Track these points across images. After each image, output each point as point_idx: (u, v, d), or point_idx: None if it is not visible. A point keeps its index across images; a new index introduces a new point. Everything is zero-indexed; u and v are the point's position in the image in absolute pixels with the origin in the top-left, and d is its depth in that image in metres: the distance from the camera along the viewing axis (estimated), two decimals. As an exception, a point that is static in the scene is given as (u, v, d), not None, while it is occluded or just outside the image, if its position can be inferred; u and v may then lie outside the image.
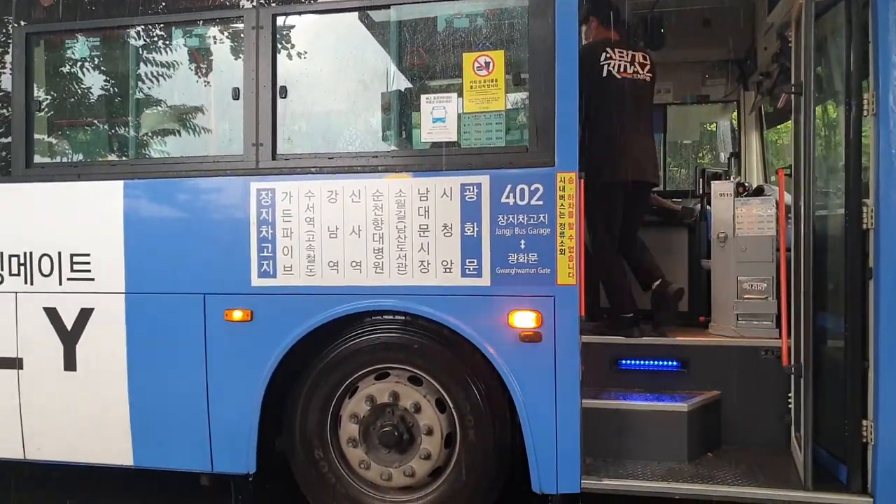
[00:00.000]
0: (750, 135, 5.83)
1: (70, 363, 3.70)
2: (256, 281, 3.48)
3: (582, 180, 3.19)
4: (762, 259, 3.86)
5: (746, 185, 4.31)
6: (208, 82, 3.90)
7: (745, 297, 3.89)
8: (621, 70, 4.08)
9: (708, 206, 4.34)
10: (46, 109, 3.93)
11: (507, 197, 3.23)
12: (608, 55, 4.06)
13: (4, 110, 3.81)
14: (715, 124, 6.83)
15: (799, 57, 3.28)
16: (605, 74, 4.04)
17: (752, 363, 3.75)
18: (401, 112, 3.59)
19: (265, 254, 3.47)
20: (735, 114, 6.06)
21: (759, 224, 3.89)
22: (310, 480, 3.59)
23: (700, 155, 7.61)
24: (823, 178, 3.47)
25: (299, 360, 3.52)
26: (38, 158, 3.84)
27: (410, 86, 3.57)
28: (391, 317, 3.45)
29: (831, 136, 3.58)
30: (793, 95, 3.33)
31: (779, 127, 6.22)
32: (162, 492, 4.17)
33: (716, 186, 4.08)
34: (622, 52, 4.10)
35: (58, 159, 4.02)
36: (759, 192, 4.26)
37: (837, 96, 3.26)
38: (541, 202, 3.21)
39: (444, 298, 3.31)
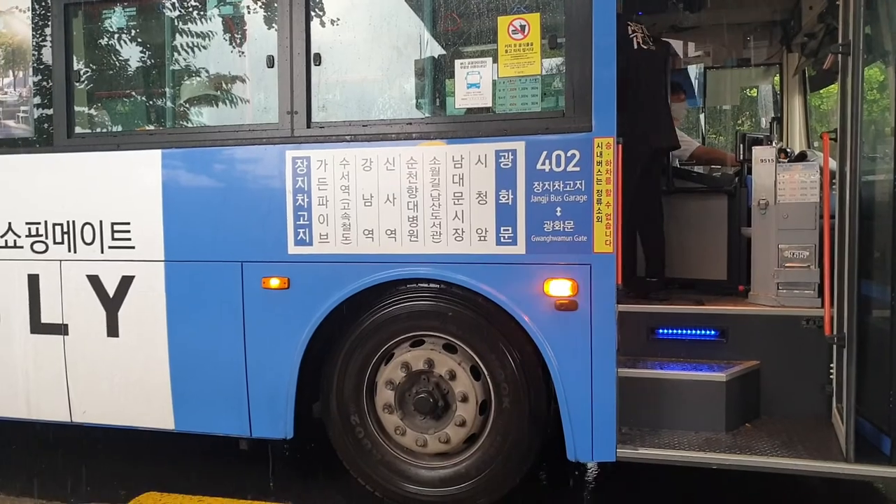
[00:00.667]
0: (793, 99, 5.63)
1: (113, 329, 3.76)
2: (293, 249, 3.47)
3: (620, 145, 3.10)
4: (804, 226, 3.73)
5: (788, 150, 4.17)
6: (243, 51, 3.88)
7: (787, 265, 3.78)
8: (642, 43, 4.07)
9: (748, 173, 4.21)
10: (86, 80, 3.95)
11: (543, 163, 3.16)
12: (632, 28, 4.03)
13: (45, 82, 3.83)
14: (755, 90, 6.61)
15: (847, 15, 3.12)
16: (635, 46, 4.01)
17: (793, 333, 3.64)
18: (435, 78, 3.53)
19: (301, 222, 3.46)
20: (777, 77, 5.86)
21: (801, 190, 3.76)
22: (346, 446, 3.60)
23: (739, 121, 7.39)
24: (870, 142, 3.32)
25: (336, 326, 3.52)
26: (78, 129, 3.86)
27: (445, 52, 3.49)
28: (426, 285, 3.42)
29: (879, 98, 3.43)
30: (840, 56, 3.18)
31: (821, 92, 6.00)
32: (202, 456, 4.27)
33: (757, 152, 3.95)
34: (637, 26, 4.09)
35: (98, 130, 4.04)
36: (801, 157, 4.12)
37: (887, 56, 3.11)
38: (577, 168, 3.13)
39: (478, 266, 3.27)
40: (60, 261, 3.82)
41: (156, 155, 3.64)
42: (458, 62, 3.30)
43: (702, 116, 5.83)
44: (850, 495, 3.67)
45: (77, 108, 3.88)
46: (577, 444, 3.23)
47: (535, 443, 3.40)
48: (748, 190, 4.20)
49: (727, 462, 3.18)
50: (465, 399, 3.41)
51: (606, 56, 3.09)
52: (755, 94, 6.63)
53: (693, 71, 5.41)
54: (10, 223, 3.88)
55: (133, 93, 4.10)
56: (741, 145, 4.29)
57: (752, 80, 6.13)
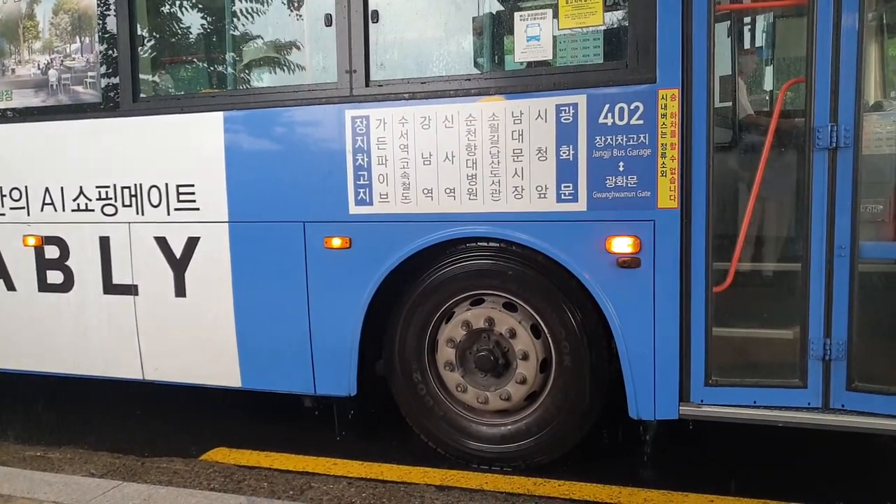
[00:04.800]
0: (868, 47, 5.34)
1: (180, 290, 3.90)
2: (354, 209, 3.53)
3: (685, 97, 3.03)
4: (880, 180, 3.59)
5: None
6: (301, 11, 3.92)
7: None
8: None
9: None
10: (150, 46, 4.05)
11: (605, 117, 3.13)
12: None
13: (111, 48, 3.94)
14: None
15: None
16: None
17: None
18: (494, 33, 3.50)
19: (361, 182, 3.50)
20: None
21: (876, 142, 3.61)
22: (409, 403, 3.69)
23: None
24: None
25: (397, 285, 3.58)
26: (143, 95, 3.97)
27: (503, 6, 3.47)
28: (485, 243, 3.44)
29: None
30: None
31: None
32: (269, 414, 4.41)
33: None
34: None
35: (162, 94, 4.15)
36: (877, 108, 3.96)
37: None
38: (641, 121, 3.08)
39: (538, 224, 3.27)
40: (129, 223, 3.96)
41: (218, 117, 3.72)
42: (517, 14, 3.27)
43: (770, 69, 5.62)
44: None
45: (142, 75, 3.99)
46: (638, 402, 3.23)
47: (597, 401, 3.41)
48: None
49: (795, 420, 3.10)
50: (525, 357, 3.44)
51: (671, 4, 3.01)
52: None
53: (762, 21, 5.20)
54: (81, 187, 4.04)
55: (195, 57, 4.19)
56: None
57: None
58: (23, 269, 4.22)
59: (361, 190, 3.51)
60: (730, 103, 4.29)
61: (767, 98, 4.71)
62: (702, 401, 3.18)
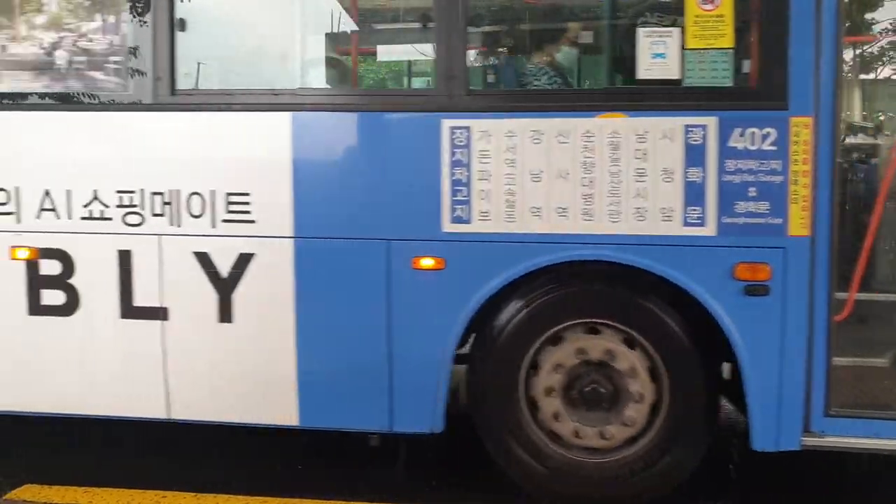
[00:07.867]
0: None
1: (225, 314, 3.53)
2: (449, 227, 3.37)
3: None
4: None
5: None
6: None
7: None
8: None
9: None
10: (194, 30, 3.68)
11: (736, 141, 3.19)
12: None
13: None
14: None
15: None
16: None
17: None
18: (612, 47, 3.51)
19: (459, 198, 3.36)
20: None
21: None
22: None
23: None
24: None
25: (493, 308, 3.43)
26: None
27: (629, 21, 3.48)
28: (603, 267, 3.36)
29: None
30: None
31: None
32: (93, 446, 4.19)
33: None
34: None
35: (209, 86, 3.78)
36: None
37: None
38: (773, 147, 3.17)
39: (662, 248, 3.27)
40: (160, 235, 3.56)
41: (285, 118, 3.44)
42: (641, 30, 3.28)
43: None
44: None
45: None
46: (761, 433, 3.27)
47: (708, 436, 3.43)
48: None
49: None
50: (640, 398, 3.40)
51: (804, 30, 3.12)
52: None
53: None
54: (95, 191, 3.58)
55: (259, 47, 3.86)
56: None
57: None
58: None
59: (459, 206, 3.35)
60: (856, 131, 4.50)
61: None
62: (822, 431, 3.29)
